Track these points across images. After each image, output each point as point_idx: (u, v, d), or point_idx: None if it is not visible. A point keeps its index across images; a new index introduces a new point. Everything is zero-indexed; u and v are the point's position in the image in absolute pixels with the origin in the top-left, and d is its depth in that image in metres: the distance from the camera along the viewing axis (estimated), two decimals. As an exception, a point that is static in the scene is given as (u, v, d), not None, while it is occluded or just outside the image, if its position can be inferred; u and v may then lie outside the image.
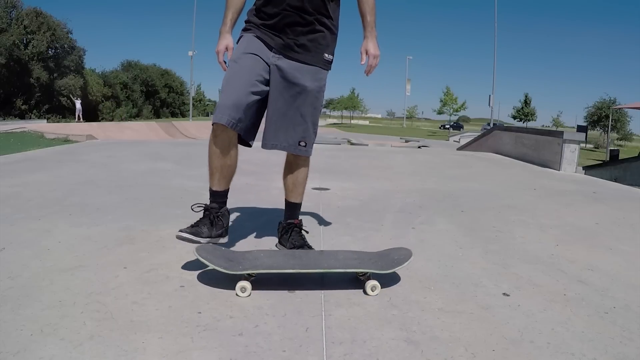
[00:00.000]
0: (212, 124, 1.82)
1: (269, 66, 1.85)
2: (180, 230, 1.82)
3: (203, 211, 1.90)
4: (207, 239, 1.84)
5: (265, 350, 1.25)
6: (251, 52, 1.85)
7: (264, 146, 1.94)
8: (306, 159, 2.00)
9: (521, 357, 1.27)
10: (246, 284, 1.59)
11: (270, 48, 1.86)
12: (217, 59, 1.93)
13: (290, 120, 1.89)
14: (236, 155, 1.90)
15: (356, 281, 1.70)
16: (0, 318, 1.35)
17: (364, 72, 1.98)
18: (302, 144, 1.93)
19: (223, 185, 1.91)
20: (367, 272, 1.68)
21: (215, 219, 1.88)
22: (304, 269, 1.67)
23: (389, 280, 1.73)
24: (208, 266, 1.62)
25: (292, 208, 2.04)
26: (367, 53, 1.95)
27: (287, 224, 2.01)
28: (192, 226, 1.86)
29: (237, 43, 1.92)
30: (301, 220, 2.06)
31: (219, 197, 1.91)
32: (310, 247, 1.96)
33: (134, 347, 1.23)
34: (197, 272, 1.75)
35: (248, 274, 1.62)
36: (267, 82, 1.87)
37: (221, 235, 1.90)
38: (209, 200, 1.92)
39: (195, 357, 1.20)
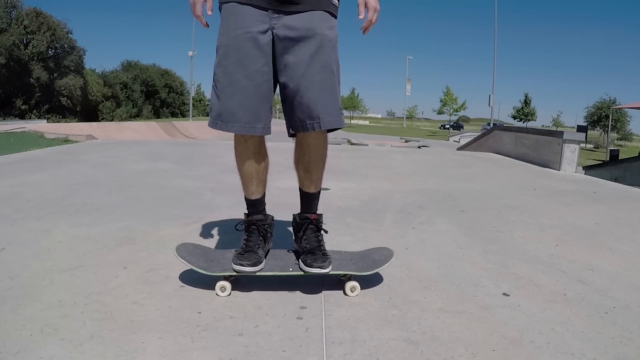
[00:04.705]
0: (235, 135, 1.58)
1: (272, 34, 1.54)
2: (240, 265, 1.56)
3: (248, 226, 1.68)
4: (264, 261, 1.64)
5: (265, 350, 1.25)
6: (242, 30, 1.52)
7: (295, 128, 1.61)
8: (320, 134, 1.62)
9: (521, 357, 1.27)
10: (226, 283, 1.59)
11: (263, 9, 1.53)
12: (191, 10, 1.54)
13: (320, 84, 1.54)
14: (266, 151, 1.69)
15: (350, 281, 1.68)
16: (0, 318, 1.35)
17: (361, 29, 1.62)
18: (342, 111, 1.59)
19: (261, 190, 1.69)
20: (348, 273, 1.65)
21: (267, 232, 1.69)
22: (283, 271, 1.64)
23: (369, 281, 1.71)
24: (187, 266, 1.62)
25: (307, 199, 1.74)
26: (366, 5, 1.60)
27: (302, 219, 1.73)
28: (244, 251, 1.61)
29: (219, 10, 1.59)
30: (320, 215, 1.74)
31: (260, 205, 1.70)
32: (325, 253, 1.63)
33: (134, 347, 1.23)
34: (197, 272, 1.75)
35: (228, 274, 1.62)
36: (271, 60, 1.56)
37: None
38: (247, 214, 1.72)
39: (195, 357, 1.20)
